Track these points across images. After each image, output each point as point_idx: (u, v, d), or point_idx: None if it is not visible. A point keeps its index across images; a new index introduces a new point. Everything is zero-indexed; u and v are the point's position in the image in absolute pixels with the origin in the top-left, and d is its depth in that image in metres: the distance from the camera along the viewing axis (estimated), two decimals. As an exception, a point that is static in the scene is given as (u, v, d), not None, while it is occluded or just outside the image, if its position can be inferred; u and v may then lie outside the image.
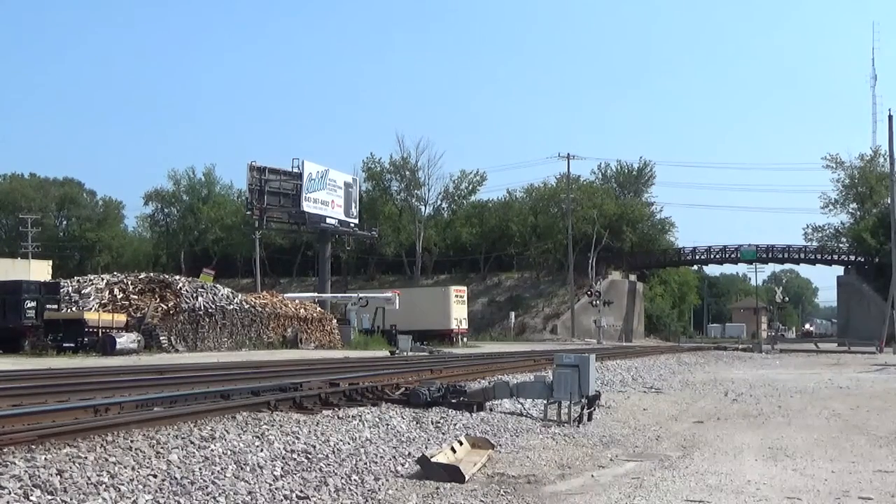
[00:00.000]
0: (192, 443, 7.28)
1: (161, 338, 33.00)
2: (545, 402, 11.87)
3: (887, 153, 58.29)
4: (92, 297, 35.40)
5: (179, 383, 13.29)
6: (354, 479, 6.97)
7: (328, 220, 63.37)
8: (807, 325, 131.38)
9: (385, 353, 35.76)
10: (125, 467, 6.18)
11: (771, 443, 10.15)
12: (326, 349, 39.90)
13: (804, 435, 10.94)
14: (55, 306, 32.41)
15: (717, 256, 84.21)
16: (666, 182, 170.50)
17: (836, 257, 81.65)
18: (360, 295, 52.17)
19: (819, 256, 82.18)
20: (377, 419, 9.73)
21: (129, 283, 37.36)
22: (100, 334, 30.29)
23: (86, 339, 30.02)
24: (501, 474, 7.80)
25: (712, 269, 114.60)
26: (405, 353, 34.11)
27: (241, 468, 6.74)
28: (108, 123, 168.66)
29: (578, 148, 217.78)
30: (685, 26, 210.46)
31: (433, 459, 7.46)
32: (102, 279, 38.36)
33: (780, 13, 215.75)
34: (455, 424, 10.20)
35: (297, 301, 45.88)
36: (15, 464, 5.82)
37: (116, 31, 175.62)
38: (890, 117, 52.88)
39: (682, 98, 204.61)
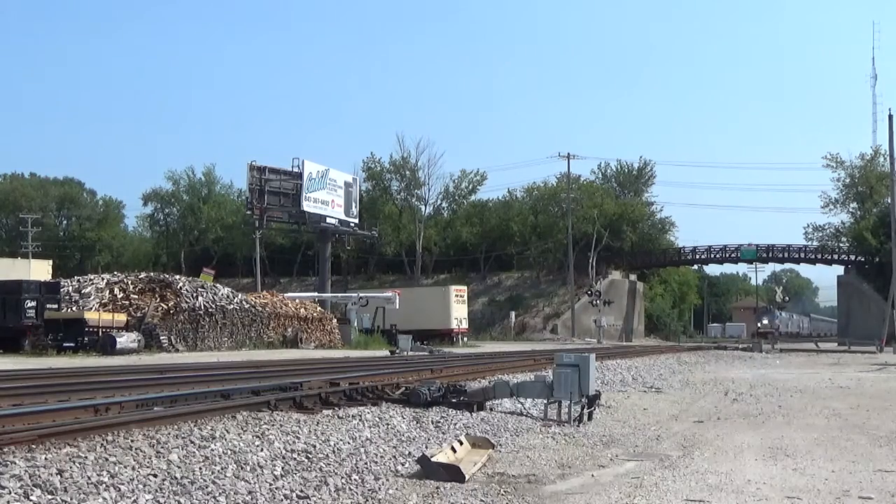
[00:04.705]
0: (192, 442, 7.27)
1: (161, 337, 33.00)
2: (545, 401, 11.87)
3: (887, 153, 58.30)
4: (92, 297, 35.40)
5: (180, 383, 13.28)
6: (355, 479, 6.97)
7: (328, 220, 63.38)
8: (764, 321, 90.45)
9: (385, 352, 35.75)
10: (125, 467, 6.18)
11: (771, 442, 10.15)
12: (327, 349, 39.91)
13: (804, 434, 10.94)
14: (55, 306, 32.40)
15: (717, 256, 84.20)
16: (666, 182, 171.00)
17: (836, 257, 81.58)
18: (361, 294, 52.20)
19: (819, 256, 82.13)
20: (377, 419, 9.73)
21: (130, 282, 37.35)
22: (100, 334, 30.29)
23: (86, 339, 30.01)
24: (502, 474, 7.80)
25: (712, 269, 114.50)
26: (405, 353, 34.10)
27: (242, 468, 6.74)
28: (108, 123, 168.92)
29: (579, 147, 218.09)
30: (685, 26, 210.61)
31: (433, 459, 7.46)
32: (102, 279, 38.36)
33: (781, 13, 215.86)
34: (455, 424, 10.20)
35: (297, 301, 45.89)
36: (15, 463, 5.82)
37: (116, 31, 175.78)
38: (890, 117, 52.88)
39: (682, 97, 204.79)
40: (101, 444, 6.84)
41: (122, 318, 32.63)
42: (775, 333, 77.95)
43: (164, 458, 6.62)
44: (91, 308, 33.86)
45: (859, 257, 78.00)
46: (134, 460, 6.42)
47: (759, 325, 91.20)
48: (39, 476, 5.61)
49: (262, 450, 7.39)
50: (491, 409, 11.72)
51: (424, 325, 50.33)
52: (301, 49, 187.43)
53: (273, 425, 8.53)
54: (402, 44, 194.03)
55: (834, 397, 17.05)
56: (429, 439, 9.19)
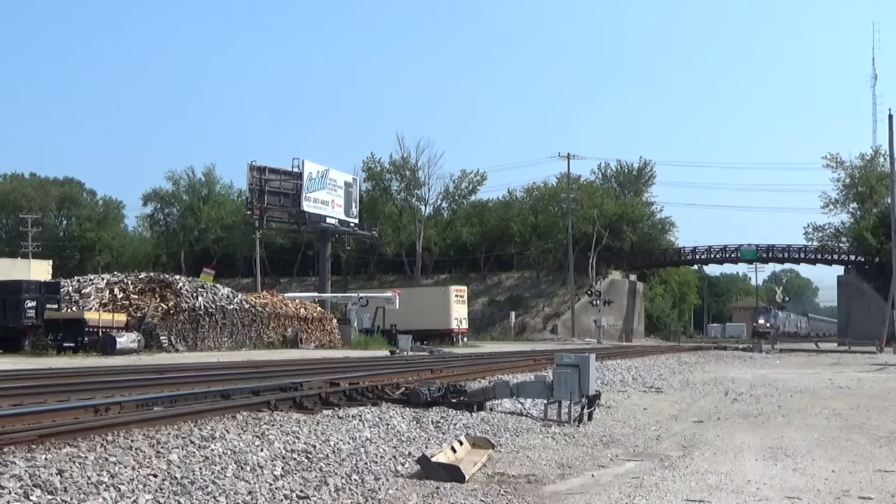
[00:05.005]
0: (192, 442, 7.27)
1: (161, 337, 33.00)
2: (545, 401, 11.87)
3: (887, 153, 58.31)
4: (92, 297, 35.40)
5: (179, 383, 13.28)
6: (354, 479, 6.97)
7: (328, 220, 63.39)
8: (760, 320, 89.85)
9: (385, 352, 35.75)
10: (125, 467, 6.18)
11: (771, 442, 10.15)
12: (327, 349, 39.91)
13: (804, 434, 10.93)
14: (55, 306, 32.42)
15: (717, 256, 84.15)
16: (666, 182, 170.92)
17: (836, 257, 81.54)
18: (361, 295, 52.19)
19: (819, 256, 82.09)
20: (377, 419, 9.73)
21: (130, 282, 37.35)
22: (100, 334, 30.30)
23: (86, 339, 30.02)
24: (502, 474, 7.80)
25: (712, 269, 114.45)
26: (405, 353, 34.10)
27: (242, 468, 6.74)
28: (108, 123, 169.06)
29: (579, 147, 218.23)
30: (685, 26, 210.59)
31: (433, 459, 7.46)
32: (102, 279, 38.36)
33: (780, 13, 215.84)
34: (455, 424, 10.19)
35: (297, 301, 45.89)
36: (15, 463, 5.82)
37: (116, 31, 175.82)
38: (890, 117, 52.94)
39: (682, 98, 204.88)
40: (101, 444, 6.84)
41: (122, 318, 32.64)
42: (772, 333, 77.65)
43: (164, 458, 6.62)
44: (91, 308, 33.86)
45: (859, 257, 77.97)
46: (134, 460, 6.42)
47: (755, 324, 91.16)
48: (39, 476, 5.61)
49: (262, 450, 7.39)
50: (491, 409, 11.72)
51: (424, 325, 50.32)
52: (301, 49, 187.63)
53: (273, 425, 8.53)
54: (402, 43, 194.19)
55: (834, 397, 17.04)
56: (429, 439, 9.18)
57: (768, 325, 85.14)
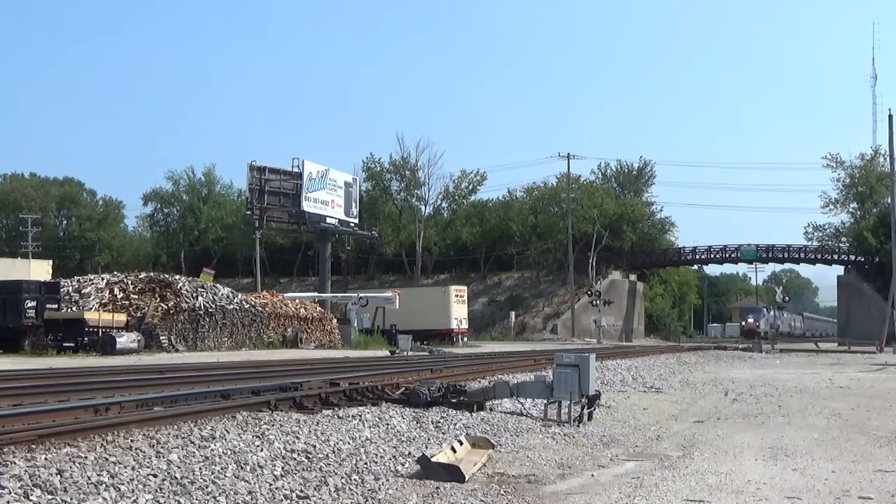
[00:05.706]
0: (192, 442, 7.27)
1: (161, 337, 33.01)
2: (545, 401, 11.86)
3: (887, 153, 58.31)
4: (92, 297, 35.39)
5: (179, 383, 13.28)
6: (354, 479, 6.97)
7: (328, 220, 63.38)
8: (749, 319, 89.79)
9: (385, 352, 35.74)
10: (125, 467, 6.18)
11: (771, 442, 10.15)
12: (326, 349, 39.91)
13: (804, 434, 10.93)
14: (55, 306, 32.42)
15: (717, 256, 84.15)
16: (666, 182, 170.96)
17: (836, 257, 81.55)
18: (361, 295, 52.18)
19: (819, 256, 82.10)
20: (377, 419, 9.73)
21: (130, 282, 37.35)
22: (100, 334, 30.32)
23: (86, 339, 30.04)
24: (502, 474, 7.80)
25: (712, 269, 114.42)
26: (405, 353, 34.08)
27: (242, 468, 6.74)
28: (108, 123, 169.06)
29: (579, 147, 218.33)
30: (685, 26, 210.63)
31: (433, 459, 7.46)
32: (102, 279, 38.35)
33: (781, 13, 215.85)
34: (455, 424, 10.19)
35: (297, 301, 45.89)
36: (15, 463, 5.82)
37: (117, 30, 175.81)
38: (890, 117, 52.91)
39: (682, 98, 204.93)
40: (101, 444, 6.84)
41: (122, 318, 32.65)
42: (771, 333, 77.52)
43: (164, 458, 6.62)
44: (91, 308, 33.85)
45: (859, 257, 77.98)
46: (134, 460, 6.42)
47: (742, 322, 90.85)
48: (39, 476, 5.61)
49: (262, 450, 7.39)
50: (491, 409, 11.72)
51: (424, 325, 50.31)
52: (301, 49, 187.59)
53: (273, 425, 8.53)
54: (402, 44, 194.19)
55: (834, 397, 17.03)
56: (429, 439, 9.18)
57: (757, 324, 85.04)
